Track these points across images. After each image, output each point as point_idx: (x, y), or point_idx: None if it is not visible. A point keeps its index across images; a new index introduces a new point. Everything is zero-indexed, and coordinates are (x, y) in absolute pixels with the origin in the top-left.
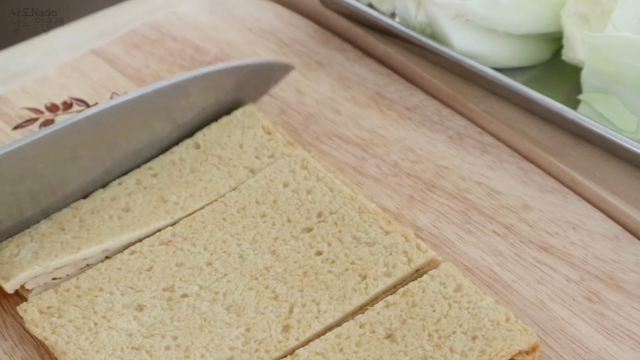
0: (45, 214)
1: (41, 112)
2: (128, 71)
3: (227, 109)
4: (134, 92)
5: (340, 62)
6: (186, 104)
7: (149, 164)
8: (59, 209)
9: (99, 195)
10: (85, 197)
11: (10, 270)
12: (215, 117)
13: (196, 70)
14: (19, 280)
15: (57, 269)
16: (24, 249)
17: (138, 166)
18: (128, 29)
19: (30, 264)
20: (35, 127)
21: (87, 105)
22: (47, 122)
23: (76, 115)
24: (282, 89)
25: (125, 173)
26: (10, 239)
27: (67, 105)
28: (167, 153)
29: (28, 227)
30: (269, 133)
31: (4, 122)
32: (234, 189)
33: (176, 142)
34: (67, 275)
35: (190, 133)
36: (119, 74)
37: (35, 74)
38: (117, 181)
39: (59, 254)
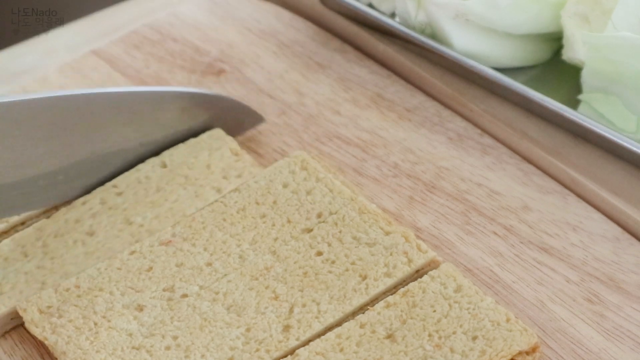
0: None
1: None
2: (128, 72)
3: (196, 134)
4: (109, 88)
5: (340, 64)
6: (157, 117)
7: (113, 182)
8: (11, 197)
9: (63, 215)
10: (46, 214)
11: None
12: (183, 140)
13: (170, 87)
14: None
15: None
16: None
17: (102, 183)
18: (128, 30)
19: None
20: None
21: None
22: None
23: (57, 91)
24: (283, 90)
25: (88, 188)
26: None
27: None
28: (133, 170)
29: None
30: (236, 154)
31: None
32: (201, 209)
33: (142, 159)
34: None
35: (156, 152)
36: (119, 75)
37: (35, 74)
38: (81, 200)
39: (24, 290)
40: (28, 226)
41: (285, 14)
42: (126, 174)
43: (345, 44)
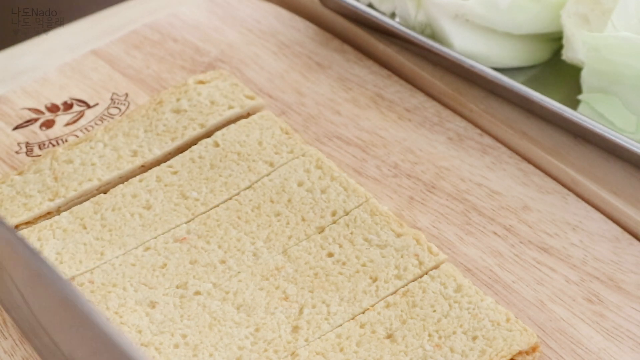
0: None
1: (41, 112)
2: (128, 72)
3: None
4: None
5: (340, 64)
6: None
7: (168, 162)
8: None
9: (120, 191)
10: (103, 189)
11: None
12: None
13: None
14: None
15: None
16: (47, 246)
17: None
18: (128, 30)
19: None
20: (35, 127)
21: (87, 106)
22: (47, 122)
23: None
24: (283, 90)
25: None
26: (31, 228)
27: (67, 106)
28: (187, 152)
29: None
30: (287, 133)
31: (4, 122)
32: (253, 183)
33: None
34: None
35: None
36: (119, 75)
37: (35, 74)
38: (137, 178)
39: (83, 259)
40: (85, 201)
41: (285, 14)
42: (180, 155)
43: (345, 44)
